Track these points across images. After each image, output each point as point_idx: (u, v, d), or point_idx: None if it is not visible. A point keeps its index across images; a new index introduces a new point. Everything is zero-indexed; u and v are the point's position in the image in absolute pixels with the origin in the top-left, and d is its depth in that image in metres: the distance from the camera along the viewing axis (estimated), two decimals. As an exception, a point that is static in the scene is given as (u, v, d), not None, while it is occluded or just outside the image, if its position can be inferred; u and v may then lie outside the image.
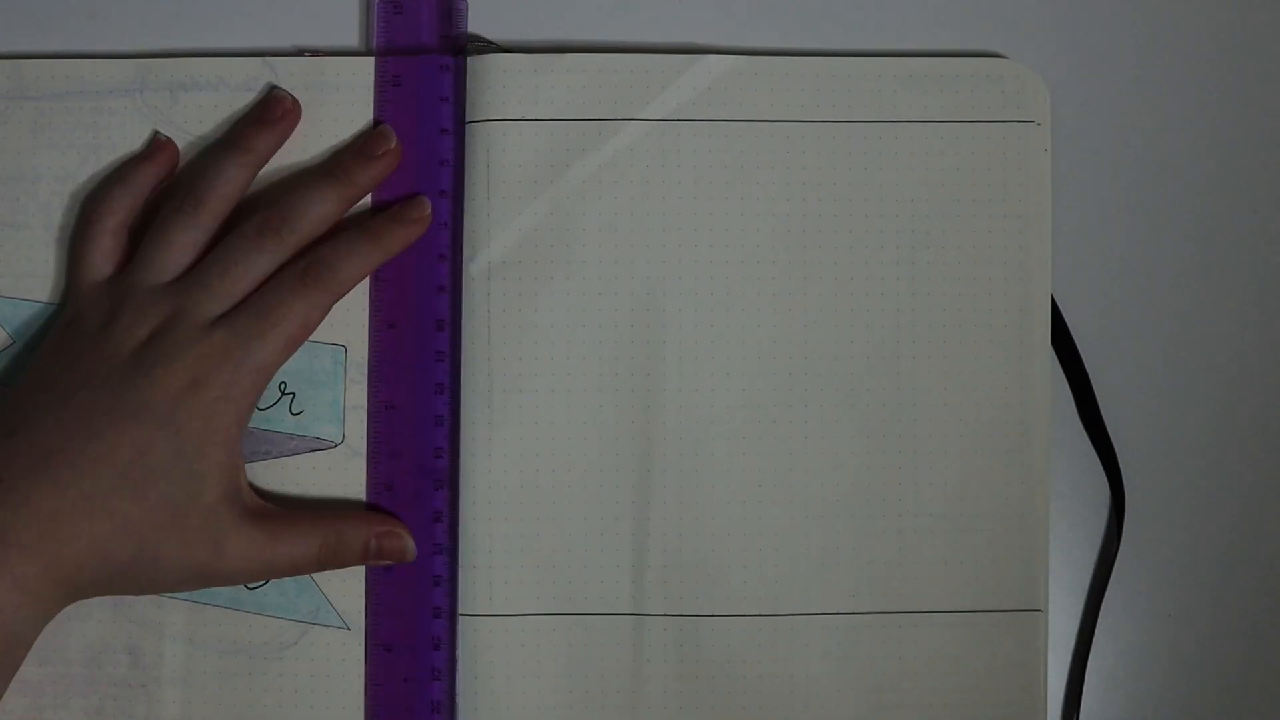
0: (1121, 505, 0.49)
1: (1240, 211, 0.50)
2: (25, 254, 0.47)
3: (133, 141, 0.47)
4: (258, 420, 0.47)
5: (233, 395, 0.43)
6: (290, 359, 0.46)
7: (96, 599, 0.46)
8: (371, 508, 0.47)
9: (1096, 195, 0.50)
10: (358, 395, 0.47)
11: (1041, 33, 0.49)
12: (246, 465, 0.46)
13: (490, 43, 0.48)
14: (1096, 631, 0.49)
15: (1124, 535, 0.49)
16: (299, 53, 0.48)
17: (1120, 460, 0.49)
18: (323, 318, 0.45)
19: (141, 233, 0.46)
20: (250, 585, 0.47)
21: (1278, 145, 0.50)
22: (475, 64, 0.48)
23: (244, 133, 0.46)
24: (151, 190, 0.46)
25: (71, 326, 0.44)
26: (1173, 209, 0.50)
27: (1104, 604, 0.49)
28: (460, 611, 0.47)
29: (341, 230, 0.46)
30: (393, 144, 0.46)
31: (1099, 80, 0.50)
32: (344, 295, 0.45)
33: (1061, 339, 0.49)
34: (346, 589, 0.47)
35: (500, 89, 0.47)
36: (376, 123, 0.47)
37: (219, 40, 0.49)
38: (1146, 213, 0.50)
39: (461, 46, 0.48)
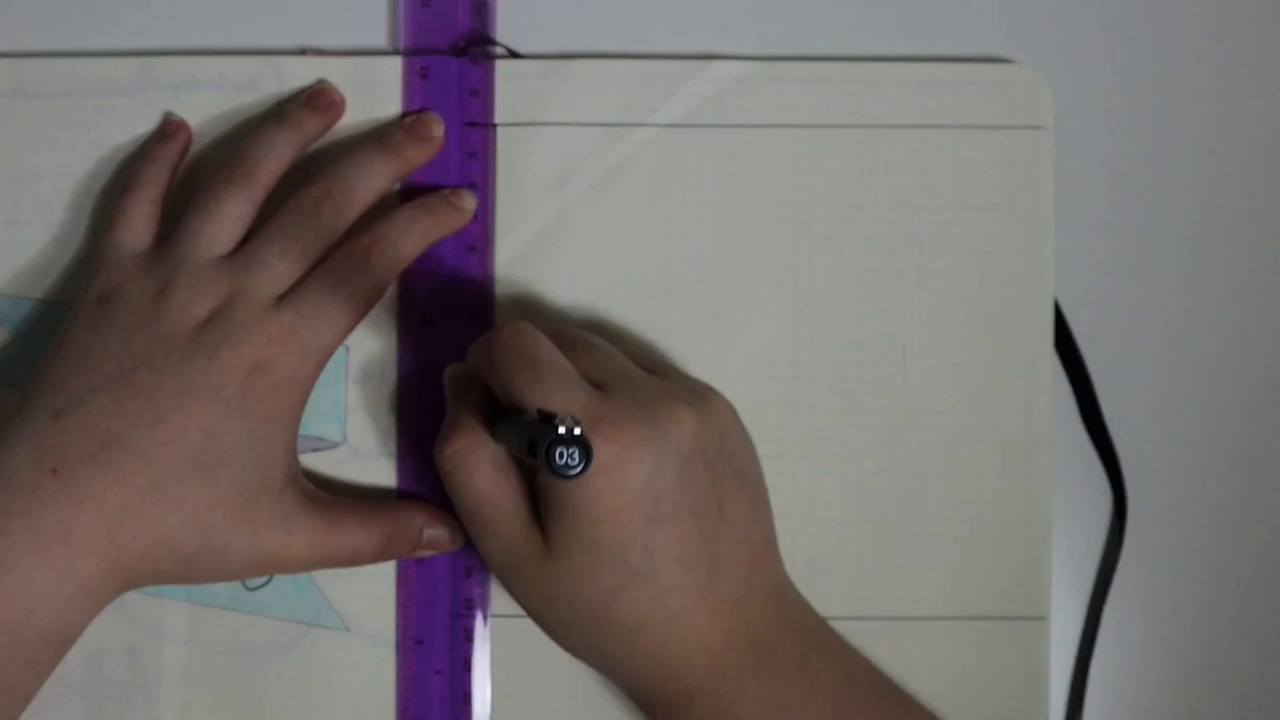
0: (1124, 509, 0.49)
1: (1244, 217, 0.50)
2: (26, 252, 0.47)
3: (135, 140, 0.47)
4: (259, 421, 0.47)
5: (299, 377, 0.42)
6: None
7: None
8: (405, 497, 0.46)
9: (1100, 199, 0.49)
10: (358, 396, 0.47)
11: (1046, 37, 0.49)
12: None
13: (501, 47, 0.48)
14: (1099, 636, 0.49)
15: (1126, 539, 0.49)
16: (301, 52, 0.48)
17: (1123, 464, 0.49)
18: (382, 294, 0.44)
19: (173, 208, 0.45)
20: (250, 585, 0.47)
21: (1284, 152, 0.50)
22: (482, 68, 0.48)
23: (294, 111, 0.45)
24: (176, 167, 0.46)
25: (112, 300, 0.42)
26: (1176, 214, 0.50)
27: (1106, 609, 0.49)
28: (455, 614, 0.47)
29: (395, 209, 0.45)
30: (439, 131, 0.46)
31: (1103, 84, 0.50)
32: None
33: (1065, 343, 0.49)
34: (346, 591, 0.47)
35: (510, 94, 0.47)
36: (412, 112, 0.47)
37: (222, 39, 0.49)
38: (1150, 217, 0.50)
39: (470, 51, 0.48)
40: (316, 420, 0.47)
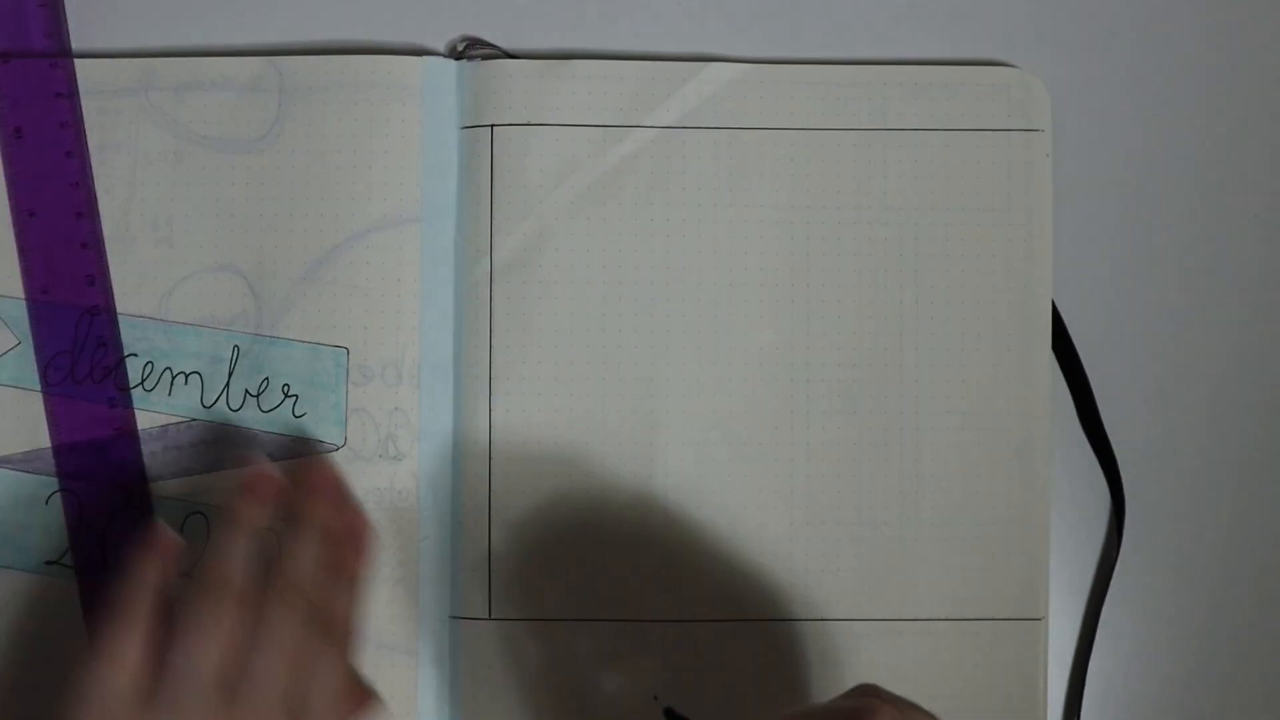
0: (1121, 510, 0.49)
1: (1241, 218, 0.50)
2: (30, 256, 0.47)
3: (138, 140, 0.47)
4: (260, 423, 0.47)
5: None
6: (293, 362, 0.46)
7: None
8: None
9: (1097, 202, 0.49)
10: (359, 398, 0.47)
11: (1043, 41, 0.49)
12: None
13: (495, 48, 0.48)
14: (1096, 637, 0.49)
15: (1124, 540, 0.49)
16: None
17: (1120, 465, 0.49)
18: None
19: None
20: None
21: (1285, 152, 0.50)
22: (479, 69, 0.48)
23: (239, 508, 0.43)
24: (168, 583, 0.43)
25: None
26: (1173, 215, 0.49)
27: (1104, 610, 0.49)
28: (455, 615, 0.47)
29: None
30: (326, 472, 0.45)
31: (1101, 88, 0.49)
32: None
33: (1062, 344, 0.49)
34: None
35: (505, 94, 0.47)
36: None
37: (224, 38, 0.49)
38: (1147, 219, 0.49)
39: (461, 51, 0.48)
40: (318, 423, 0.47)
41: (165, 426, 0.47)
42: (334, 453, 0.47)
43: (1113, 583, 0.49)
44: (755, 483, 0.47)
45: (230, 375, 0.47)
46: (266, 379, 0.47)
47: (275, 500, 0.44)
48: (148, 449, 0.47)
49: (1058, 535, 0.49)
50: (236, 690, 0.40)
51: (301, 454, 0.47)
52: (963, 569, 0.48)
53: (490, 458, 0.47)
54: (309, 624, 0.42)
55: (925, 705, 0.47)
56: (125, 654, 0.40)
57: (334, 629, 0.43)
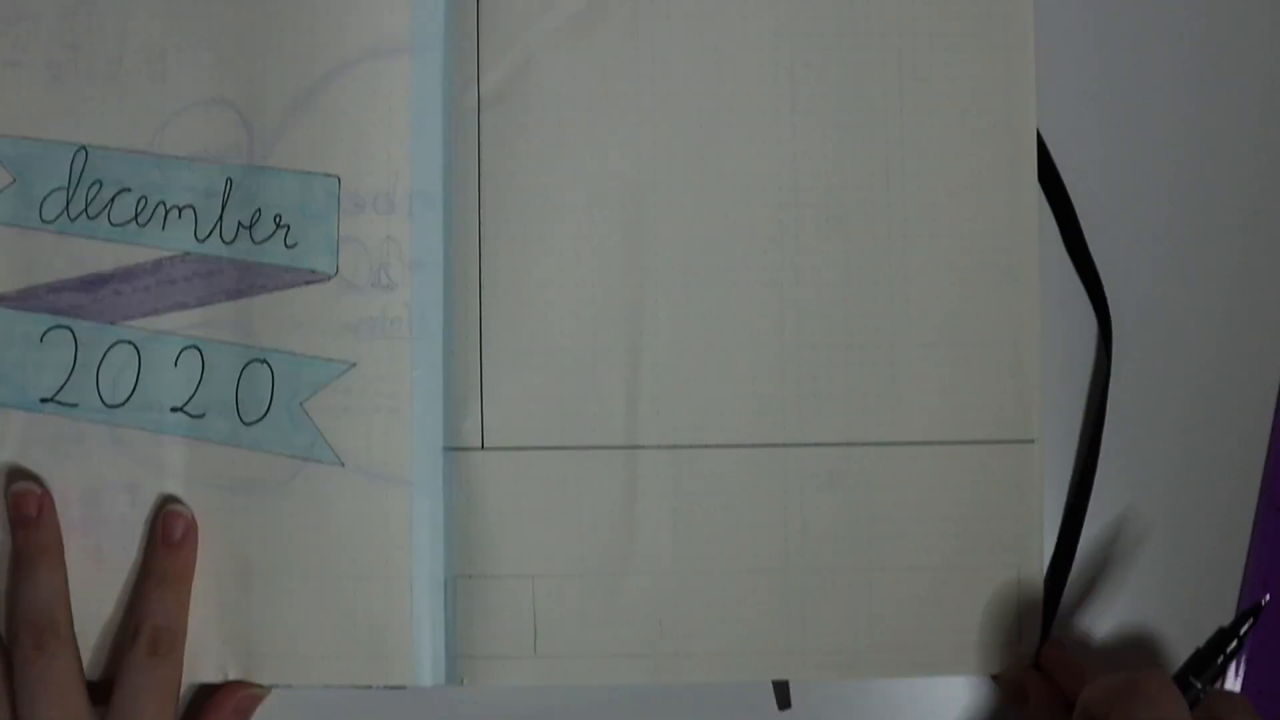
0: (1109, 333, 0.48)
1: (1233, 37, 0.50)
2: (26, 93, 0.48)
3: None
4: (253, 254, 0.47)
5: None
6: (284, 192, 0.47)
7: (95, 429, 0.47)
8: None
9: (1081, 29, 0.49)
10: (351, 227, 0.47)
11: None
12: (243, 300, 0.47)
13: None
14: (1100, 460, 0.49)
15: (1113, 365, 0.49)
16: None
17: (1106, 289, 0.49)
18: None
19: None
20: (246, 419, 0.47)
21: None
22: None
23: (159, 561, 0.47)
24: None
25: None
26: (1158, 39, 0.50)
27: (1105, 432, 0.48)
28: (448, 445, 0.47)
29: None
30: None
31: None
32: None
33: (1047, 172, 0.49)
34: (341, 426, 0.47)
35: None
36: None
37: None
38: (1132, 44, 0.50)
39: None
40: (309, 252, 0.47)
41: (160, 261, 0.48)
42: (326, 282, 0.47)
43: (1109, 404, 0.48)
44: (744, 306, 0.47)
45: (223, 208, 0.47)
46: (259, 210, 0.47)
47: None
48: (142, 283, 0.47)
49: (1049, 363, 0.48)
50: None
51: (293, 284, 0.47)
52: (954, 391, 0.48)
53: (481, 287, 0.47)
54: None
55: (923, 529, 0.47)
56: None
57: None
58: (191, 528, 0.47)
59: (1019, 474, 0.48)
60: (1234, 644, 0.43)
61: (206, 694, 0.47)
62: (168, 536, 0.46)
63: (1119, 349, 0.49)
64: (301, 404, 0.47)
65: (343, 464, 0.47)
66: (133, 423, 0.47)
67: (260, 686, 0.47)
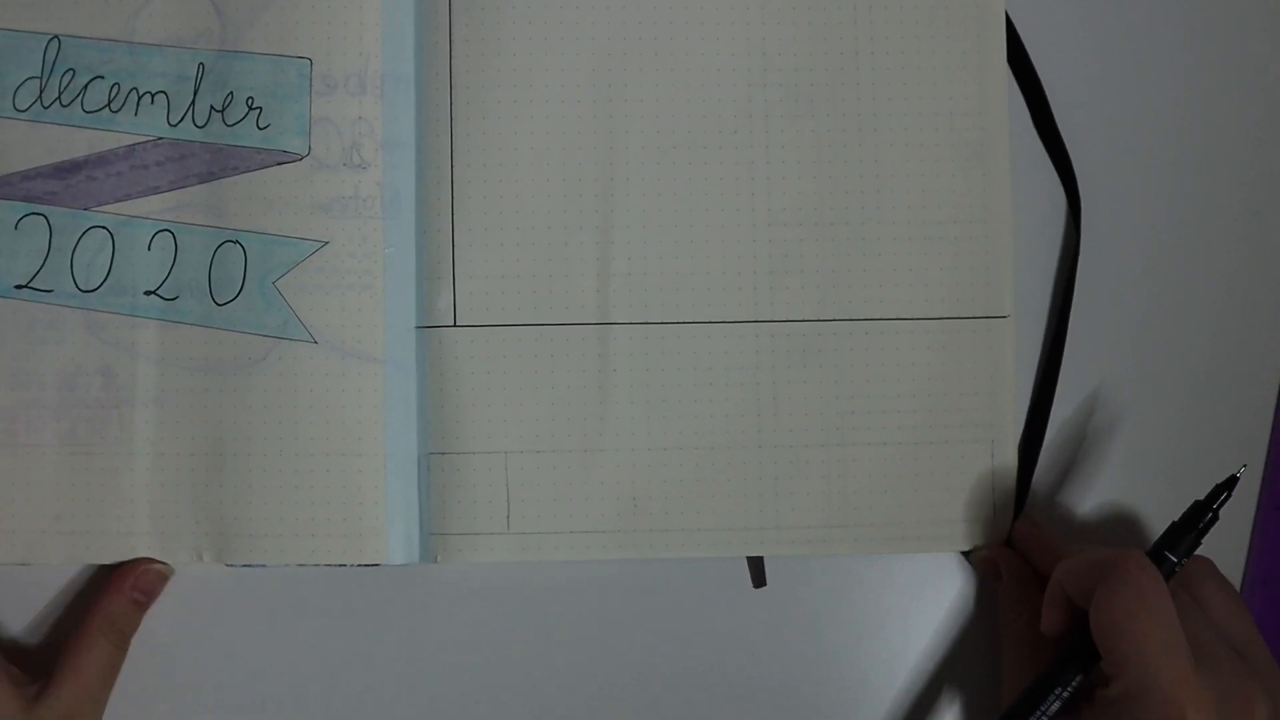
0: (1078, 212, 0.49)
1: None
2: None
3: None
4: (226, 137, 0.47)
5: None
6: (256, 75, 0.47)
7: (69, 314, 0.47)
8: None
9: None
10: (323, 107, 0.47)
11: None
12: (216, 182, 0.47)
13: None
14: (1073, 339, 0.49)
15: (1083, 241, 0.49)
16: None
17: (1076, 168, 0.49)
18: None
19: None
20: (219, 300, 0.47)
21: None
22: None
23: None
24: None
25: None
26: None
27: (1075, 310, 0.49)
28: (420, 324, 0.47)
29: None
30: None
31: None
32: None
33: (1017, 54, 0.49)
34: (314, 303, 0.47)
35: None
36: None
37: None
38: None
39: None
40: (282, 133, 0.47)
41: (133, 146, 0.48)
42: (298, 162, 0.48)
43: (1078, 282, 0.49)
44: (716, 185, 0.48)
45: (196, 93, 0.48)
46: (231, 93, 0.48)
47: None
48: (115, 169, 0.48)
49: (1020, 240, 0.49)
50: None
51: (265, 165, 0.47)
52: (926, 268, 0.48)
53: (453, 166, 0.47)
54: None
55: (897, 405, 0.47)
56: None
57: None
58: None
59: (991, 350, 0.48)
60: (1208, 517, 0.43)
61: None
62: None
63: (1088, 224, 0.49)
64: (274, 283, 0.47)
65: (315, 342, 0.47)
66: (107, 307, 0.48)
67: (164, 564, 0.47)
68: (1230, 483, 0.44)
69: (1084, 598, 0.42)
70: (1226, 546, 0.49)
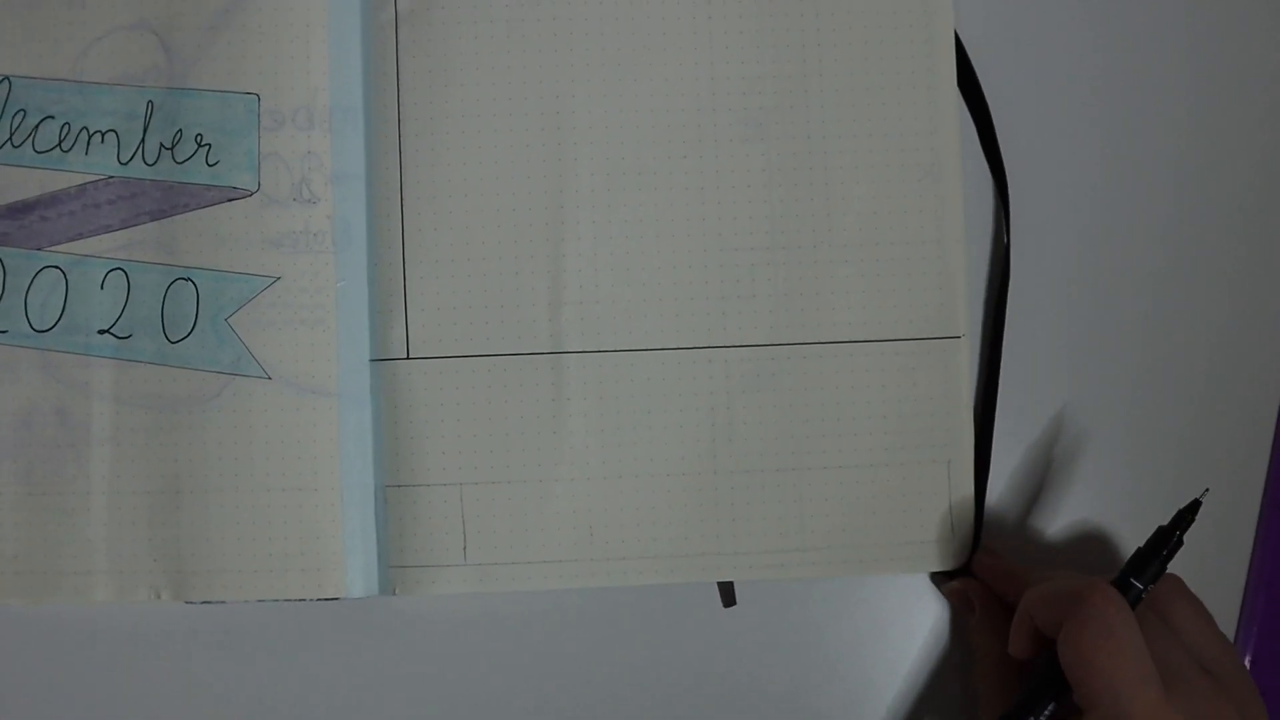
0: (1008, 219, 0.49)
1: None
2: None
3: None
4: (176, 174, 0.48)
5: None
6: (204, 111, 0.47)
7: (24, 354, 0.47)
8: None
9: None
10: (272, 143, 0.48)
11: None
12: (167, 220, 0.47)
13: None
14: (1004, 353, 0.49)
15: (1013, 256, 0.49)
16: None
17: (1011, 187, 0.49)
18: None
19: None
20: (172, 337, 0.47)
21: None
22: None
23: None
24: None
25: None
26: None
27: (1007, 325, 0.49)
28: (375, 357, 0.47)
29: None
30: None
31: None
32: None
33: (966, 74, 0.49)
34: (266, 339, 0.47)
35: None
36: None
37: None
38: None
39: None
40: (231, 170, 0.47)
41: (84, 185, 0.48)
42: (248, 199, 0.48)
43: (1010, 298, 0.49)
44: (666, 211, 0.48)
45: (145, 131, 0.48)
46: (180, 131, 0.48)
47: None
48: (68, 208, 0.48)
49: (971, 262, 0.49)
50: None
51: (216, 202, 0.47)
52: (879, 290, 0.48)
53: (403, 199, 0.47)
54: None
55: (853, 428, 0.47)
56: None
57: None
58: None
59: (946, 371, 0.48)
60: (1173, 541, 0.43)
61: None
62: None
63: (1032, 240, 0.49)
64: (226, 319, 0.47)
65: (269, 377, 0.47)
66: (61, 346, 0.48)
67: None
68: (1194, 507, 0.44)
69: (1052, 628, 0.42)
70: (1229, 550, 0.49)
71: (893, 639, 0.48)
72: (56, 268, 0.48)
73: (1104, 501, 0.49)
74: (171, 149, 0.48)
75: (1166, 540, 0.43)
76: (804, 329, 0.48)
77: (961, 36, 0.49)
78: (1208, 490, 0.44)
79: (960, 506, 0.48)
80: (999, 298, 0.49)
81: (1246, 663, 0.49)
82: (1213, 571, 0.49)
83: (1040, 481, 0.49)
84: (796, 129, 0.48)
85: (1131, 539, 0.48)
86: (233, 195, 0.48)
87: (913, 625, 0.48)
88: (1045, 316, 0.49)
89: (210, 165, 0.48)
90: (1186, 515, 0.43)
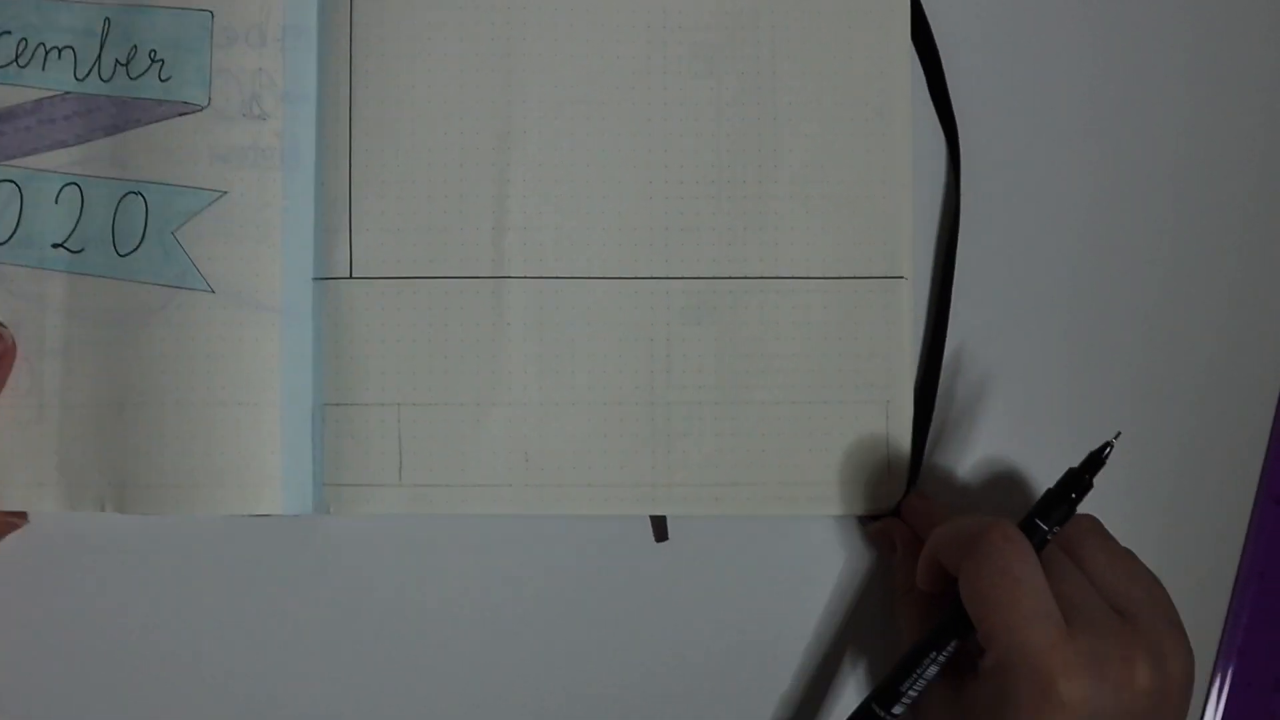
0: (959, 172, 0.48)
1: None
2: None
3: None
4: (129, 89, 0.48)
5: None
6: (159, 28, 0.47)
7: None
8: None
9: None
10: (224, 59, 0.48)
11: None
12: (119, 135, 0.48)
13: None
14: (952, 297, 0.48)
15: (963, 203, 0.48)
16: None
17: (961, 131, 0.49)
18: None
19: None
20: (121, 251, 0.48)
21: None
22: None
23: None
24: None
25: None
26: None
27: (957, 269, 0.48)
28: (318, 276, 0.48)
29: None
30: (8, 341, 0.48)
31: None
32: None
33: (918, 19, 0.49)
34: (213, 252, 0.48)
35: None
36: None
37: None
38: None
39: None
40: (183, 85, 0.48)
41: (40, 100, 0.48)
42: (199, 113, 0.48)
43: (960, 242, 0.48)
44: (613, 141, 0.48)
45: (102, 47, 0.48)
46: (135, 46, 0.48)
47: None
48: (24, 124, 0.48)
49: (916, 205, 0.48)
50: None
51: (167, 116, 0.48)
52: (823, 227, 0.48)
53: (351, 120, 0.48)
54: None
55: (793, 364, 0.47)
56: None
57: None
58: (10, 352, 0.47)
59: (888, 311, 0.48)
60: (1082, 484, 0.43)
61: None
62: None
63: (976, 189, 0.49)
64: (173, 233, 0.48)
65: (213, 291, 0.48)
66: (15, 260, 0.48)
67: (19, 517, 0.48)
68: (1104, 449, 0.43)
69: (955, 567, 0.41)
70: (1222, 539, 0.49)
71: (819, 577, 0.48)
72: (12, 182, 0.48)
73: (1038, 448, 0.48)
74: (126, 65, 0.48)
75: (1076, 482, 0.43)
76: (747, 263, 0.48)
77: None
78: (1119, 434, 0.44)
79: (897, 448, 0.47)
80: (949, 242, 0.48)
81: (1235, 654, 0.49)
82: (1205, 564, 0.49)
83: (971, 423, 0.48)
84: (746, 65, 0.48)
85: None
86: (184, 110, 0.48)
87: (840, 563, 0.48)
88: (992, 265, 0.49)
89: (163, 81, 0.48)
90: (1097, 457, 0.43)
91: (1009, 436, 0.49)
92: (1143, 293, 0.49)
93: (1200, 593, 0.48)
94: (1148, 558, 0.43)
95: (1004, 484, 0.49)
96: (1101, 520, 0.44)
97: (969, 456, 0.49)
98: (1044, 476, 0.48)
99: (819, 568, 0.48)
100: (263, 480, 0.47)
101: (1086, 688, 0.38)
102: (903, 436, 0.47)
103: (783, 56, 0.48)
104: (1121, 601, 0.41)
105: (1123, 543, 0.43)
